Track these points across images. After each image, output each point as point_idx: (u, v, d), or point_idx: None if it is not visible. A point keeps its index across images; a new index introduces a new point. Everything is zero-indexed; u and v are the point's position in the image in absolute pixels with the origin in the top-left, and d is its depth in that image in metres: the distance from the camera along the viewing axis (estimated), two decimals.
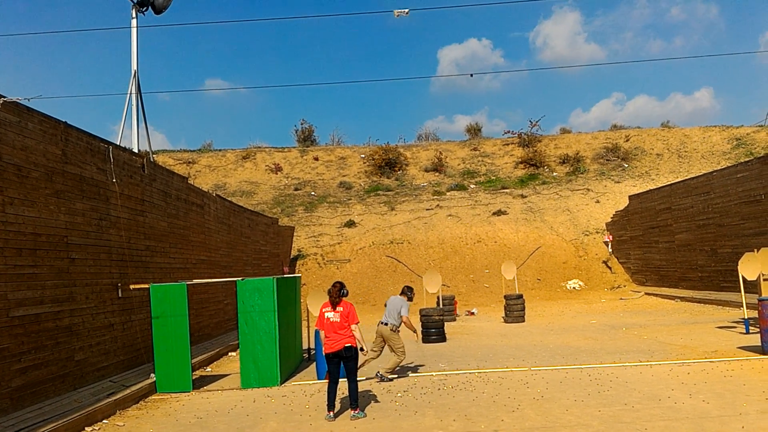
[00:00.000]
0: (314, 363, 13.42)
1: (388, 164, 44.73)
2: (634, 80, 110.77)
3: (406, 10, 16.89)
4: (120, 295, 13.05)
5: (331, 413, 9.24)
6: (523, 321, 21.54)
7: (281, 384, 12.16)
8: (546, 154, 45.18)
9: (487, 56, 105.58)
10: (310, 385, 11.97)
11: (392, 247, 34.52)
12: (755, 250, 17.44)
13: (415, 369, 13.09)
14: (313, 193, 42.27)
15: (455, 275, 32.16)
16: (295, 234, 34.98)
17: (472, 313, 25.26)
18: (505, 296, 22.24)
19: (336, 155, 47.60)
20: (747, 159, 30.55)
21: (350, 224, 36.90)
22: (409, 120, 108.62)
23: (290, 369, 13.43)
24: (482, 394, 10.30)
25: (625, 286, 31.23)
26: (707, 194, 25.73)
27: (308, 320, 16.24)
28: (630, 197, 33.40)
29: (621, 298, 28.06)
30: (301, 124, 52.12)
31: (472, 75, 38.46)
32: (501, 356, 14.26)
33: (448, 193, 41.06)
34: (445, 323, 18.64)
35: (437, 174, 44.31)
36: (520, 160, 45.05)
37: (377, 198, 40.85)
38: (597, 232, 35.10)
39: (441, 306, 21.66)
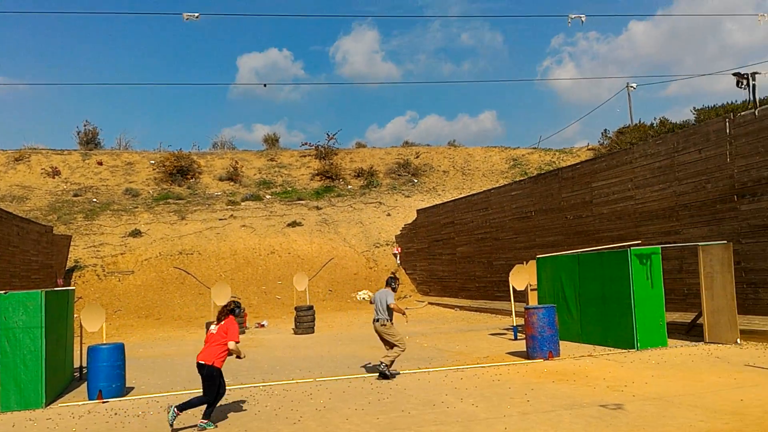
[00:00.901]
0: (86, 382, 12.38)
1: (180, 172, 43.07)
2: (426, 100, 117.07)
3: (197, 14, 16.30)
4: None
5: (177, 413, 8.91)
6: (313, 332, 21.60)
7: (46, 406, 11.07)
8: (342, 167, 46.06)
9: (287, 67, 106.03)
10: (79, 407, 11.01)
11: (181, 258, 33.18)
12: (524, 262, 18.94)
13: (197, 385, 12.54)
14: (95, 199, 39.50)
15: (247, 287, 31.61)
16: (72, 243, 32.37)
17: (263, 325, 24.91)
18: (295, 308, 22.19)
19: (123, 160, 44.97)
20: (521, 178, 33.27)
21: (136, 234, 34.93)
22: (204, 127, 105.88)
23: (58, 389, 12.30)
24: (265, 407, 10.09)
25: (411, 296, 32.58)
26: (486, 210, 27.61)
27: (81, 336, 15.04)
28: (418, 211, 34.98)
29: (407, 308, 29.17)
30: (84, 125, 48.74)
31: (265, 85, 38.40)
32: (288, 368, 14.13)
33: (243, 203, 40.37)
34: None
35: (232, 183, 43.44)
36: (316, 172, 45.51)
37: (167, 206, 39.11)
38: (387, 244, 36.32)
39: None
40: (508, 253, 25.46)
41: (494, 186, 34.63)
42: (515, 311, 17.92)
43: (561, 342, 14.19)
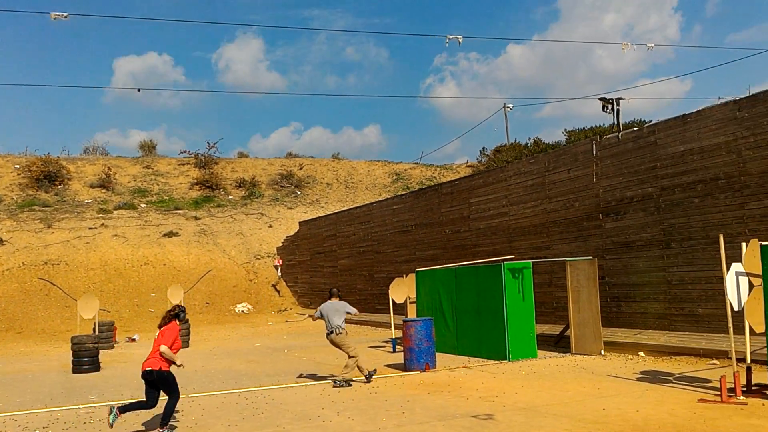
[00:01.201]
0: None
1: (48, 177, 40.66)
2: (312, 112, 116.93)
3: (65, 14, 15.47)
4: None
5: (118, 414, 8.73)
6: (188, 346, 20.90)
7: None
8: (223, 177, 45.08)
9: (167, 72, 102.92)
10: None
11: (47, 269, 31.29)
12: (404, 275, 19.18)
13: (59, 402, 11.81)
14: None
15: (118, 299, 30.21)
16: None
17: (134, 340, 23.87)
18: None
19: None
20: (403, 192, 33.79)
21: None
22: (75, 131, 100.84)
23: None
24: (132, 425, 9.61)
25: (291, 308, 32.25)
26: (368, 223, 27.81)
27: None
28: (300, 223, 34.76)
29: (287, 321, 28.88)
30: None
31: (139, 90, 36.83)
32: None
33: (115, 212, 38.63)
34: (102, 351, 17.35)
35: (104, 191, 41.50)
36: (195, 181, 44.29)
37: (32, 214, 36.79)
38: (268, 256, 35.83)
39: (97, 332, 20.07)
40: (389, 266, 25.73)
41: (377, 199, 34.97)
42: (394, 324, 18.09)
43: (438, 354, 14.43)
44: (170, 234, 36.15)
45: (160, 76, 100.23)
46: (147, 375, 9.00)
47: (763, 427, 7.81)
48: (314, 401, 10.72)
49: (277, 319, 29.62)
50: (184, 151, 47.87)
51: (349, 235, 29.20)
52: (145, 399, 9.11)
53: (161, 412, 8.97)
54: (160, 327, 9.29)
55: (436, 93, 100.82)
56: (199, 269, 33.43)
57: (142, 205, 40.23)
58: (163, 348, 8.96)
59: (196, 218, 39.08)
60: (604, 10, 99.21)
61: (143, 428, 9.40)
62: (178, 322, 9.36)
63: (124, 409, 8.86)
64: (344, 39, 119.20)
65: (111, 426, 8.62)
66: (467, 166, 50.24)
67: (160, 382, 9.04)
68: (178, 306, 9.55)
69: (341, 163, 51.03)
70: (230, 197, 43.37)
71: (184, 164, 46.45)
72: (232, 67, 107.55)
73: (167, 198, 41.87)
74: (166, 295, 26.37)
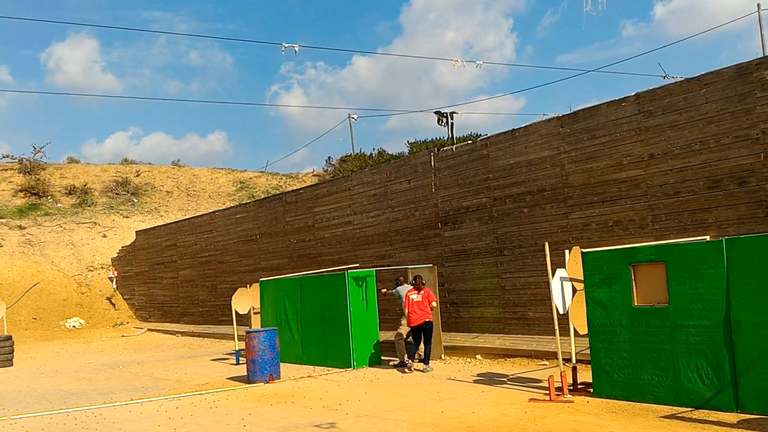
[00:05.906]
0: None
1: None
2: (151, 117, 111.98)
3: None
4: None
5: (411, 361, 13.55)
6: (12, 365, 19.37)
7: None
8: (51, 184, 42.07)
9: None
10: None
11: None
12: (248, 285, 18.87)
13: None
14: None
15: None
16: None
17: None
18: None
19: None
20: (247, 201, 33.24)
21: None
22: None
23: None
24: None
25: (128, 322, 30.72)
26: (210, 232, 27.09)
27: None
28: (137, 233, 33.20)
29: (123, 336, 27.48)
30: None
31: None
32: None
33: None
34: None
35: None
36: (20, 188, 40.98)
37: None
38: (102, 268, 33.92)
39: None
40: (233, 277, 25.20)
41: (220, 208, 34.11)
42: (238, 335, 17.74)
43: (283, 364, 14.33)
44: None
45: None
46: (426, 324, 13.33)
47: (587, 423, 8.42)
48: (149, 418, 10.27)
49: (112, 334, 28.10)
50: (7, 156, 44.12)
51: (191, 244, 28.29)
52: (414, 343, 13.78)
53: None
54: (418, 290, 13.45)
55: (283, 101, 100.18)
56: (25, 282, 31.02)
57: None
58: (435, 304, 13.67)
59: (20, 227, 36.20)
60: (445, 27, 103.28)
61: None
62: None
63: (410, 357, 13.53)
64: (187, 43, 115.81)
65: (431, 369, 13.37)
66: (313, 176, 50.29)
67: (430, 329, 13.46)
68: (419, 276, 13.82)
69: (182, 170, 49.33)
70: (59, 205, 40.58)
71: (6, 170, 42.89)
72: (63, 68, 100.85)
73: None
74: None
